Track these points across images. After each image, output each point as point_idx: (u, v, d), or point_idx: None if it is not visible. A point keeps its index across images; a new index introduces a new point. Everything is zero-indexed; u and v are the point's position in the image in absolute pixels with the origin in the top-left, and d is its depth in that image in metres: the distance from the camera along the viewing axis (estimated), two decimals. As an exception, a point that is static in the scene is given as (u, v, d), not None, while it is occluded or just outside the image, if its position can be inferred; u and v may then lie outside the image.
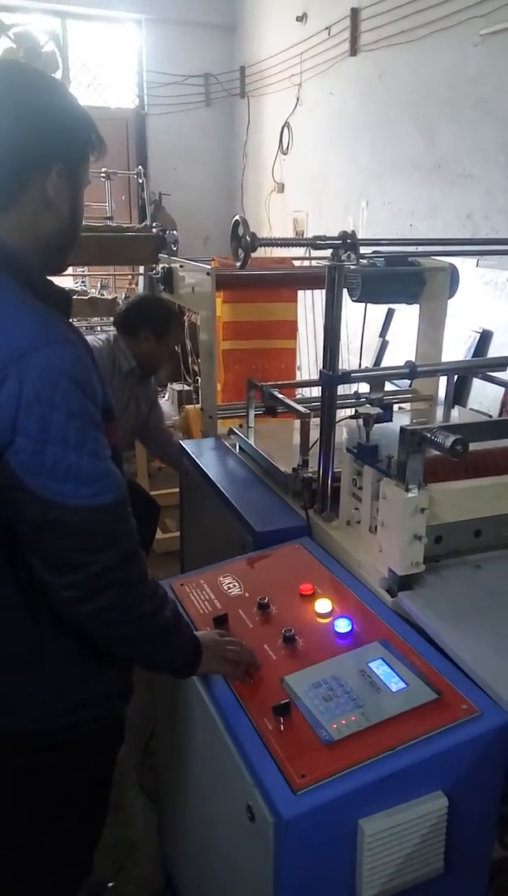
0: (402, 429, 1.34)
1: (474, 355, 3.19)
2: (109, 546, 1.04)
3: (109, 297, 4.38)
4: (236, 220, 1.58)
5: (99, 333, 3.17)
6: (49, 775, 1.19)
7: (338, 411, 1.75)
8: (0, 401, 0.95)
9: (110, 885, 1.84)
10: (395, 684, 1.20)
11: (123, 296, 4.42)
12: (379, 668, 1.24)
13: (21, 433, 0.96)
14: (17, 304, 1.01)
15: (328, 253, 1.61)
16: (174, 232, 3.64)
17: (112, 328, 2.89)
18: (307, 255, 2.83)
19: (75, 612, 1.07)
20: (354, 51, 4.44)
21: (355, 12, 4.36)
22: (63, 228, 1.11)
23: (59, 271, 1.18)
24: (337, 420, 1.73)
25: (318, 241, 1.59)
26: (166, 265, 2.74)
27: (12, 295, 1.02)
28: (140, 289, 4.67)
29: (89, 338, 2.47)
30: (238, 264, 1.60)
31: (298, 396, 2.51)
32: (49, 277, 1.13)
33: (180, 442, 2.37)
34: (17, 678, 1.12)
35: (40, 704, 1.14)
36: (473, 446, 1.31)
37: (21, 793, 1.19)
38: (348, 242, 1.58)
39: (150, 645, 1.15)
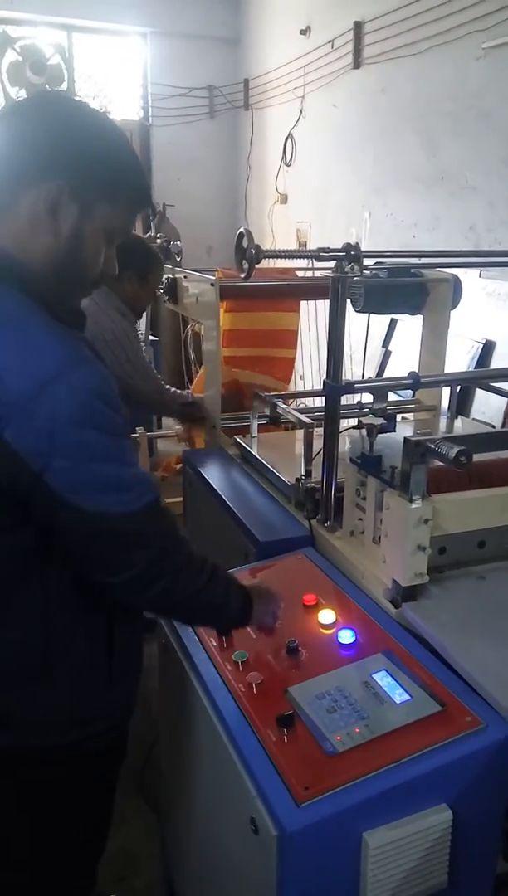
0: (406, 440, 1.34)
1: (476, 366, 3.20)
2: (153, 541, 1.10)
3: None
4: (241, 233, 1.59)
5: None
6: (55, 789, 1.19)
7: (341, 421, 1.75)
8: (35, 424, 0.96)
9: (112, 896, 1.84)
10: (399, 696, 1.20)
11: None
12: (383, 680, 1.24)
13: (58, 454, 0.98)
14: (38, 326, 1.01)
15: (331, 264, 1.62)
16: (178, 242, 3.65)
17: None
18: (310, 266, 2.84)
19: (135, 602, 1.17)
20: (357, 64, 4.47)
21: (358, 26, 4.40)
22: (60, 251, 1.06)
23: (70, 300, 1.14)
24: (340, 430, 1.74)
25: (322, 253, 1.60)
26: (170, 275, 2.75)
27: (30, 315, 1.02)
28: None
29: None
30: (242, 276, 1.61)
31: (301, 406, 2.52)
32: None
33: (184, 451, 2.38)
34: (26, 693, 1.12)
35: (48, 719, 1.14)
36: (476, 457, 1.32)
37: (26, 807, 1.19)
38: (351, 254, 1.58)
39: (208, 613, 1.25)
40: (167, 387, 2.64)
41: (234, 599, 1.26)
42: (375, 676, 1.25)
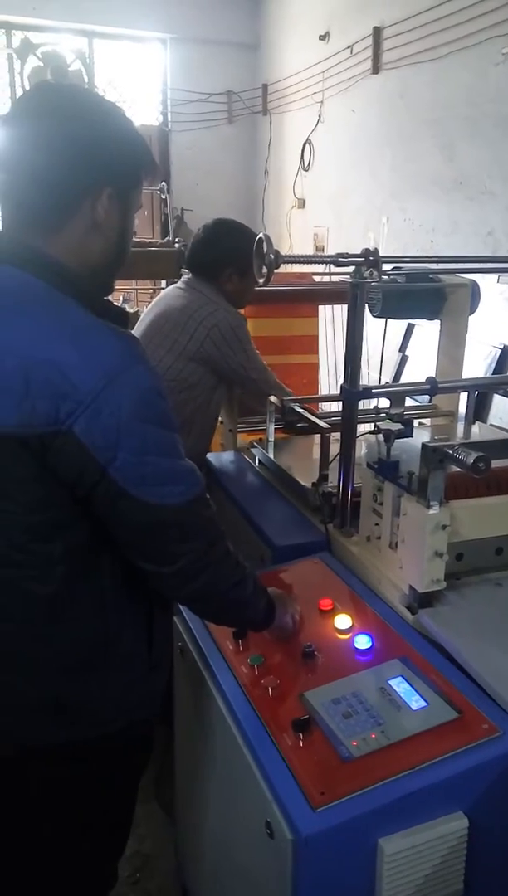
0: (424, 445, 1.33)
1: (494, 371, 3.18)
2: (201, 534, 1.13)
3: (132, 310, 4.42)
4: (260, 238, 1.59)
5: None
6: (88, 781, 1.21)
7: (358, 426, 1.75)
8: (103, 421, 0.99)
9: (126, 898, 1.84)
10: (415, 702, 1.20)
11: (144, 310, 4.45)
12: (399, 686, 1.23)
13: (123, 449, 1.01)
14: (94, 326, 1.04)
15: (349, 269, 1.62)
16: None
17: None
18: (328, 272, 2.84)
19: (177, 594, 1.20)
20: (376, 69, 4.48)
21: (377, 31, 4.40)
22: (111, 251, 1.13)
23: (107, 292, 1.20)
24: (357, 435, 1.74)
25: (340, 259, 1.60)
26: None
27: (84, 317, 1.04)
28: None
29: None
30: (261, 281, 1.61)
31: (318, 411, 2.51)
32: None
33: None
34: (83, 684, 1.15)
35: (100, 708, 1.17)
36: (494, 463, 1.31)
37: (62, 798, 1.20)
38: (370, 259, 1.59)
39: (238, 609, 1.27)
40: (274, 377, 2.41)
41: (260, 598, 1.29)
42: (391, 682, 1.24)
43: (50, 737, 1.15)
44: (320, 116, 5.26)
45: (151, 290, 5.20)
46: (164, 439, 1.06)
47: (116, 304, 1.18)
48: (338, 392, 1.74)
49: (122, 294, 4.99)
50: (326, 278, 2.89)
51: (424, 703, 1.19)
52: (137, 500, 1.04)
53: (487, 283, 2.65)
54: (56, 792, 1.19)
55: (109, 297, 1.20)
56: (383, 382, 3.51)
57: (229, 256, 2.26)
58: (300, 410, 2.01)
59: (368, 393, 1.70)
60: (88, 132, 1.07)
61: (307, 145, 5.48)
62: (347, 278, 1.64)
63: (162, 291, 2.42)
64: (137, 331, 2.36)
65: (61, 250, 1.08)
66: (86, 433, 0.99)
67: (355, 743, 1.12)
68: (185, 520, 1.10)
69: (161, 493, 1.06)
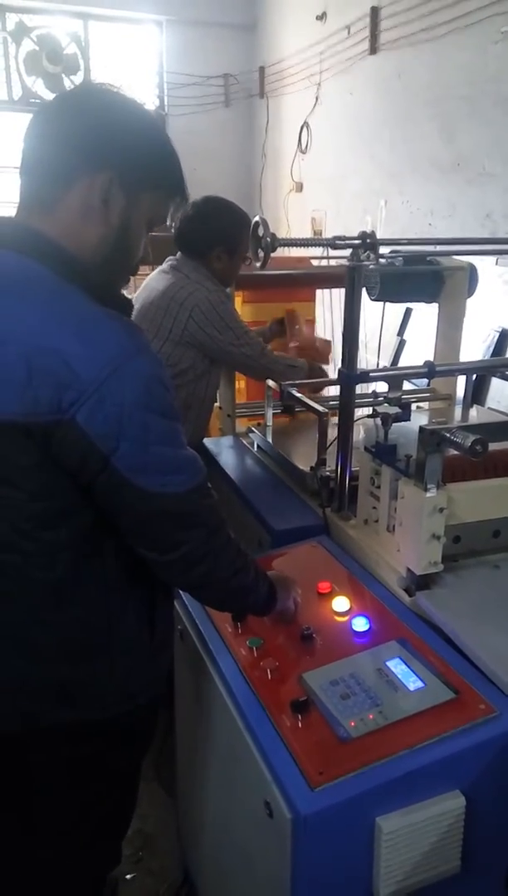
0: (421, 428, 1.34)
1: (493, 354, 3.18)
2: (202, 522, 1.14)
3: (129, 295, 4.40)
4: (257, 221, 1.59)
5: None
6: (95, 761, 1.22)
7: (356, 410, 1.75)
8: (105, 410, 0.99)
9: (129, 876, 1.86)
10: (413, 683, 1.21)
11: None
12: (397, 667, 1.24)
13: (125, 438, 1.01)
14: (97, 315, 1.03)
15: (346, 252, 1.62)
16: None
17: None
18: (326, 255, 2.83)
19: (178, 581, 1.21)
20: (373, 49, 4.42)
21: (374, 11, 4.35)
22: (109, 239, 1.10)
23: (114, 289, 1.17)
24: (355, 419, 1.74)
25: (338, 242, 1.59)
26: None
27: (87, 305, 1.04)
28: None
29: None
30: (258, 265, 1.61)
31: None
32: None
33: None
34: (87, 666, 1.16)
35: (105, 692, 1.18)
36: (492, 446, 1.31)
37: (66, 779, 1.22)
38: (367, 242, 1.58)
39: (240, 595, 1.28)
40: (272, 351, 2.36)
41: (262, 584, 1.30)
42: (389, 664, 1.25)
43: (54, 718, 1.16)
44: (317, 98, 5.21)
45: (148, 275, 5.18)
46: (166, 428, 1.06)
47: (121, 294, 1.17)
48: (336, 376, 1.74)
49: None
50: (324, 262, 2.88)
51: (421, 684, 1.20)
52: (139, 488, 1.04)
53: (485, 265, 2.64)
54: (60, 771, 1.21)
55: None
56: (381, 366, 3.51)
57: (219, 234, 2.24)
58: (298, 395, 2.01)
59: (365, 377, 1.70)
60: (96, 117, 1.07)
61: (305, 128, 5.43)
62: (344, 262, 1.64)
63: (147, 277, 2.39)
64: None
65: (59, 231, 1.07)
66: (89, 422, 0.99)
67: (353, 723, 1.13)
68: (186, 508, 1.10)
69: (163, 482, 1.06)
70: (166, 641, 1.28)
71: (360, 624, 1.35)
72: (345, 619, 1.39)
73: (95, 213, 1.08)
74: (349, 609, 1.41)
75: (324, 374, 2.50)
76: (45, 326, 1.00)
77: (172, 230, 2.30)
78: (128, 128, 1.10)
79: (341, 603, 1.41)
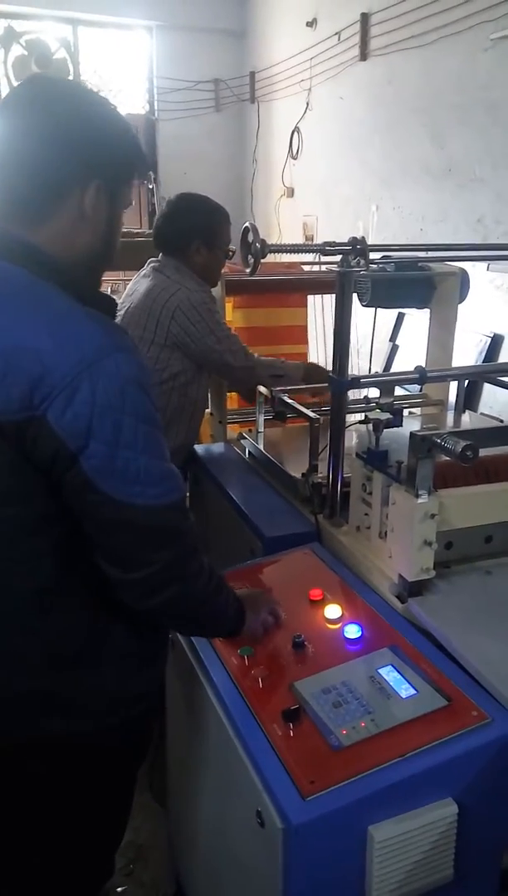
0: (412, 434, 1.34)
1: (485, 360, 3.19)
2: (173, 543, 1.09)
3: (119, 301, 4.39)
4: (246, 227, 1.58)
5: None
6: (84, 774, 1.20)
7: (348, 416, 1.75)
8: (75, 408, 0.97)
9: (120, 889, 1.85)
10: (405, 691, 1.20)
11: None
12: (389, 675, 1.24)
13: (95, 438, 0.99)
14: (74, 313, 1.02)
15: (337, 258, 1.62)
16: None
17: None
18: (317, 261, 2.83)
19: (142, 605, 1.12)
20: (364, 56, 4.45)
21: (365, 17, 4.37)
22: (98, 244, 1.11)
23: (96, 286, 1.19)
24: (347, 425, 1.73)
25: (327, 248, 1.59)
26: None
27: (66, 304, 1.03)
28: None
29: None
30: (248, 270, 1.60)
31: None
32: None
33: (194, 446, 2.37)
34: (73, 677, 1.14)
35: (94, 702, 1.16)
36: (484, 452, 1.31)
37: (55, 793, 1.20)
38: (357, 248, 1.58)
39: (207, 624, 1.26)
40: (257, 357, 2.31)
41: (230, 608, 1.26)
42: (381, 671, 1.25)
43: (43, 731, 1.15)
44: (308, 104, 5.23)
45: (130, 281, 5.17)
46: (141, 434, 1.02)
47: (104, 293, 1.17)
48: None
49: (109, 285, 4.96)
50: (315, 267, 2.88)
51: (413, 692, 1.20)
52: (104, 494, 1.00)
53: (477, 271, 2.65)
54: (52, 785, 1.19)
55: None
56: (373, 372, 3.51)
57: (194, 227, 2.24)
58: (289, 401, 2.01)
59: (356, 383, 1.69)
60: (80, 124, 1.06)
61: (296, 133, 5.44)
62: (335, 267, 1.64)
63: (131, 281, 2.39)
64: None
65: (46, 240, 1.06)
66: (58, 420, 0.97)
67: (344, 732, 1.13)
68: (155, 525, 1.05)
69: (131, 491, 1.02)
70: (158, 652, 1.26)
71: (352, 631, 1.34)
72: (337, 626, 1.38)
73: (84, 222, 1.08)
74: (341, 616, 1.40)
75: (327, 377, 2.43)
76: (20, 325, 0.99)
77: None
78: (110, 132, 1.09)
79: (332, 610, 1.41)
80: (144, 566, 1.07)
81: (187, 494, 2.37)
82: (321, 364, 2.62)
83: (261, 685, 1.25)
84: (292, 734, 1.14)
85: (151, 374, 1.10)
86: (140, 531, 1.05)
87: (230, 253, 2.29)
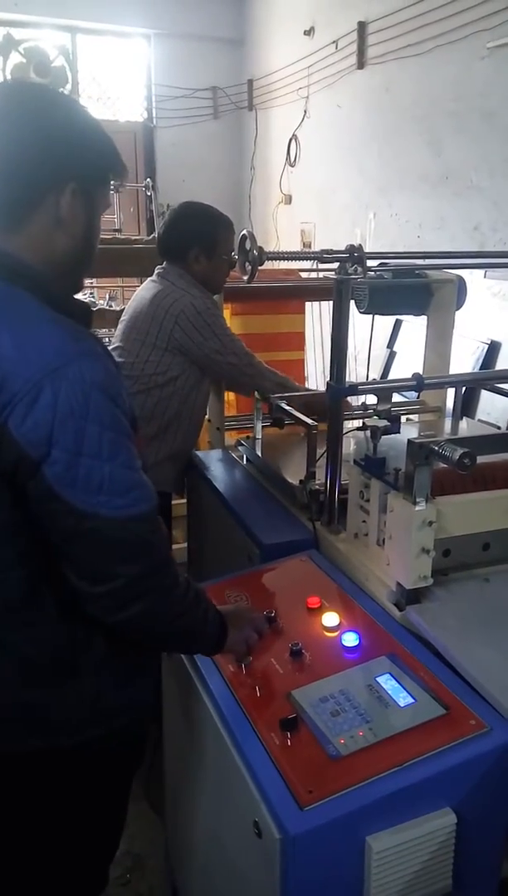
0: (410, 441, 1.33)
1: (482, 367, 3.19)
2: (142, 556, 1.05)
3: (118, 308, 4.40)
4: (244, 235, 1.59)
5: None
6: (75, 788, 1.19)
7: (345, 423, 1.75)
8: (36, 415, 0.95)
9: (116, 899, 1.84)
10: (403, 699, 1.20)
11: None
12: (387, 683, 1.23)
13: (56, 445, 0.97)
14: (40, 319, 1.01)
15: (335, 265, 1.62)
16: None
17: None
18: (315, 268, 2.83)
19: (110, 619, 1.08)
20: (361, 64, 4.47)
21: (362, 26, 4.40)
22: (77, 248, 1.10)
23: (75, 290, 1.18)
24: (344, 432, 1.73)
25: (325, 255, 1.60)
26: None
27: (33, 310, 1.02)
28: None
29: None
30: (246, 278, 1.60)
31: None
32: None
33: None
34: (56, 689, 1.12)
35: (75, 716, 1.14)
36: (481, 459, 1.31)
37: (45, 805, 1.19)
38: (355, 256, 1.58)
39: (183, 641, 1.23)
40: (262, 363, 2.29)
41: (210, 627, 1.22)
42: (379, 680, 1.24)
43: (24, 745, 1.13)
44: (305, 112, 5.25)
45: (137, 288, 5.18)
46: (105, 441, 0.99)
47: (79, 299, 1.17)
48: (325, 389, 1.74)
49: (108, 292, 4.97)
50: (313, 274, 2.88)
51: (411, 700, 1.19)
52: (67, 503, 0.98)
53: (474, 278, 2.65)
54: (39, 798, 1.18)
55: (93, 295, 1.18)
56: (371, 378, 3.51)
57: (193, 236, 2.25)
58: (287, 408, 2.01)
59: (354, 389, 1.69)
60: (51, 126, 1.05)
61: (293, 141, 5.47)
62: (333, 275, 1.64)
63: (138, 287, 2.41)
64: (117, 328, 2.35)
65: (22, 246, 1.05)
66: (18, 427, 0.95)
67: (342, 741, 1.12)
68: (120, 536, 1.02)
69: (94, 500, 0.99)
70: (147, 663, 1.24)
71: (350, 639, 1.34)
72: (335, 634, 1.37)
73: (61, 226, 1.07)
74: (339, 624, 1.39)
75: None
76: None
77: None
78: (82, 133, 1.08)
79: (330, 618, 1.40)
80: (109, 580, 1.03)
81: (184, 501, 2.41)
82: (320, 370, 2.63)
83: (258, 694, 1.24)
84: (289, 743, 1.13)
85: (121, 380, 1.06)
86: (104, 543, 1.01)
87: (233, 261, 2.29)
